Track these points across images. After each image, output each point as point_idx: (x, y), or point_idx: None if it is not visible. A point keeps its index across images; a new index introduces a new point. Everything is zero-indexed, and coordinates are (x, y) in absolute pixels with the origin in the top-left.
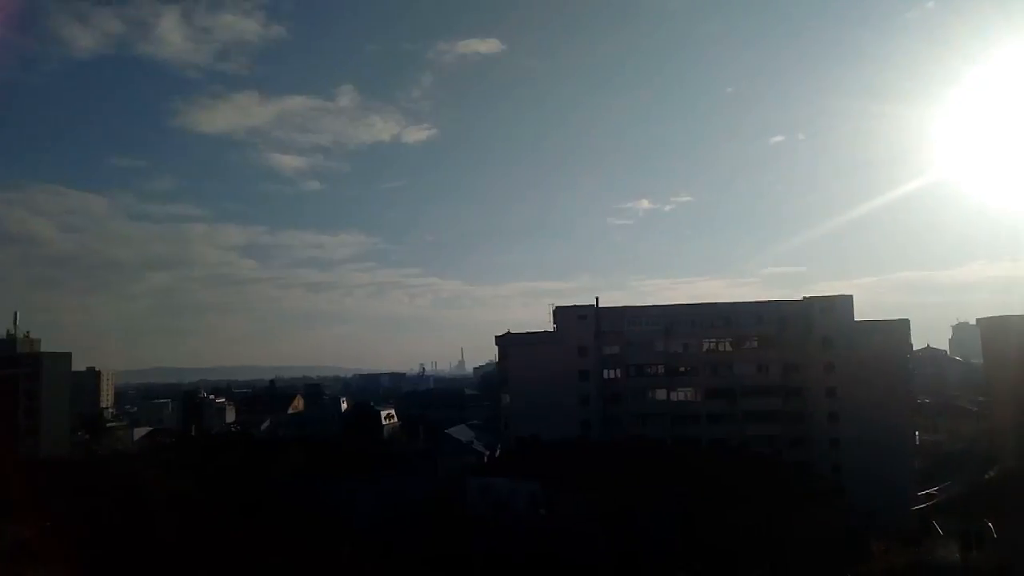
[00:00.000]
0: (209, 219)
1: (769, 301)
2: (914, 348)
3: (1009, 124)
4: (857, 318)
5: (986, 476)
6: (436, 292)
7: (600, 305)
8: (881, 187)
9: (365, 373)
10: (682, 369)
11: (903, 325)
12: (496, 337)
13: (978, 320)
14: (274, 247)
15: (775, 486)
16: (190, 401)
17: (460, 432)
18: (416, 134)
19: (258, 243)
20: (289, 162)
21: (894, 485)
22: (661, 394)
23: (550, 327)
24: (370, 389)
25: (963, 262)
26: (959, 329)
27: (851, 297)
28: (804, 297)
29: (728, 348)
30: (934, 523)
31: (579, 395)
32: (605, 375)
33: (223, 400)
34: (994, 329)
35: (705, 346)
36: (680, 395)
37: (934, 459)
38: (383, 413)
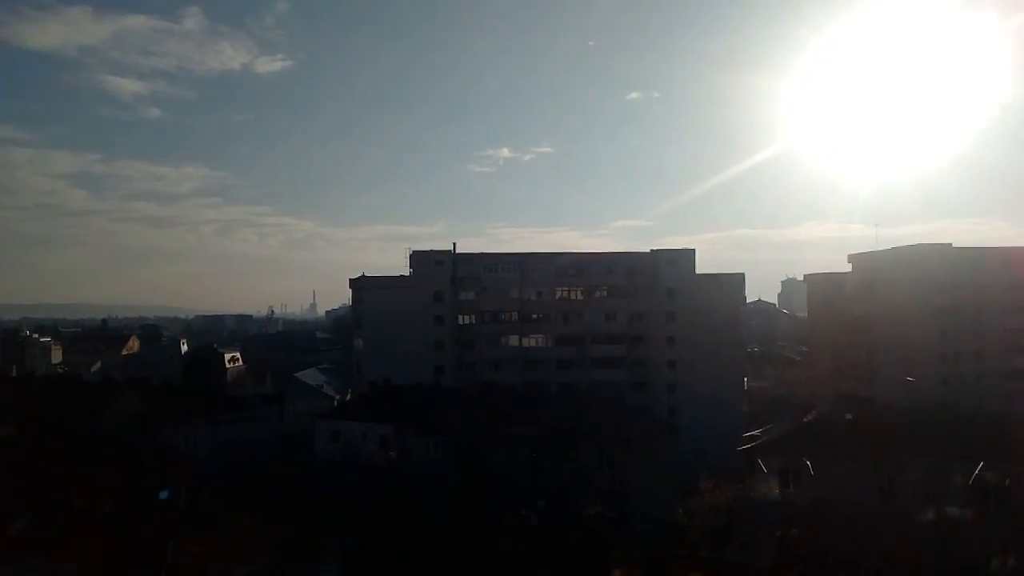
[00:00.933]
0: (35, 144)
1: (619, 253)
2: (747, 301)
3: (841, 99)
4: (698, 271)
5: (805, 419)
6: (288, 232)
7: (457, 251)
8: (725, 150)
9: (208, 315)
10: (535, 316)
11: (738, 279)
12: (351, 280)
13: (805, 276)
14: (109, 177)
15: (617, 428)
16: (10, 340)
17: (310, 376)
18: (269, 64)
19: (91, 172)
20: (127, 86)
21: (724, 427)
22: (514, 340)
23: (407, 272)
24: (214, 331)
25: (795, 223)
26: (788, 284)
27: (694, 251)
28: (651, 250)
29: (579, 297)
30: (759, 461)
31: (434, 340)
32: (460, 321)
33: (48, 339)
34: (819, 285)
35: (558, 294)
36: (532, 341)
37: (760, 403)
38: (227, 356)
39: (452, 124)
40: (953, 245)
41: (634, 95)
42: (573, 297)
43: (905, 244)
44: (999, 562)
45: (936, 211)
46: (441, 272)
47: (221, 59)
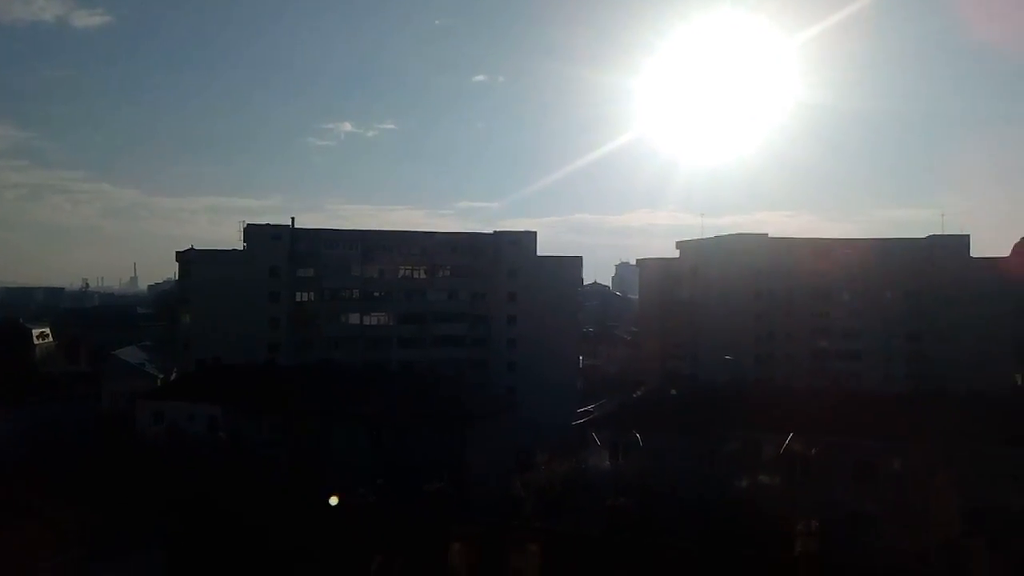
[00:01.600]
0: None
1: (463, 233)
2: (584, 283)
3: (674, 99)
4: (539, 253)
5: (635, 395)
6: (107, 200)
7: (296, 226)
8: (567, 138)
9: (13, 287)
10: (377, 294)
11: (576, 262)
12: (177, 253)
13: (638, 261)
14: None
15: (458, 406)
16: None
17: (130, 354)
18: (87, 19)
19: None
20: None
21: (561, 403)
22: (355, 318)
23: (240, 247)
24: (19, 306)
25: (630, 210)
26: (622, 268)
27: (535, 234)
28: (495, 231)
29: (422, 276)
30: (592, 435)
31: (269, 318)
32: (298, 298)
33: None
34: (650, 269)
35: (401, 272)
36: (374, 320)
37: (594, 381)
38: (35, 332)
39: (291, 94)
40: (769, 235)
41: (480, 77)
42: (416, 276)
43: (728, 233)
44: (804, 525)
45: (755, 203)
46: (278, 247)
47: (31, 9)
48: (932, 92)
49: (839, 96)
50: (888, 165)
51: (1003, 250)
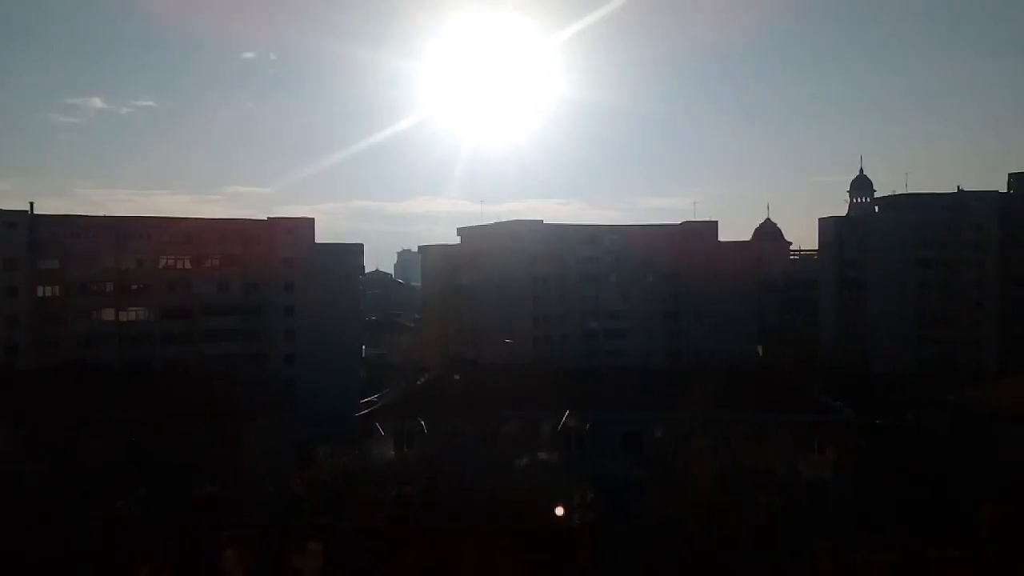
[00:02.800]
0: None
1: (234, 219)
2: (365, 271)
3: (453, 88)
4: (317, 240)
5: (418, 382)
6: None
7: (36, 212)
8: (346, 122)
9: None
10: (135, 287)
11: (356, 249)
12: None
13: (420, 248)
14: None
15: (230, 403)
16: None
17: None
18: None
19: None
20: None
21: (343, 395)
22: (109, 314)
23: None
24: None
25: (410, 196)
26: (403, 255)
27: (313, 220)
28: (268, 217)
29: (188, 266)
30: (376, 425)
31: (4, 316)
32: (40, 293)
33: None
34: (432, 256)
35: (163, 263)
36: (132, 315)
37: (377, 369)
38: None
39: (27, 62)
40: (544, 222)
41: (249, 54)
42: (181, 266)
43: (506, 220)
44: (580, 496)
45: (531, 191)
46: (14, 236)
47: None
48: (687, 90)
49: (606, 92)
50: (649, 157)
51: (746, 234)
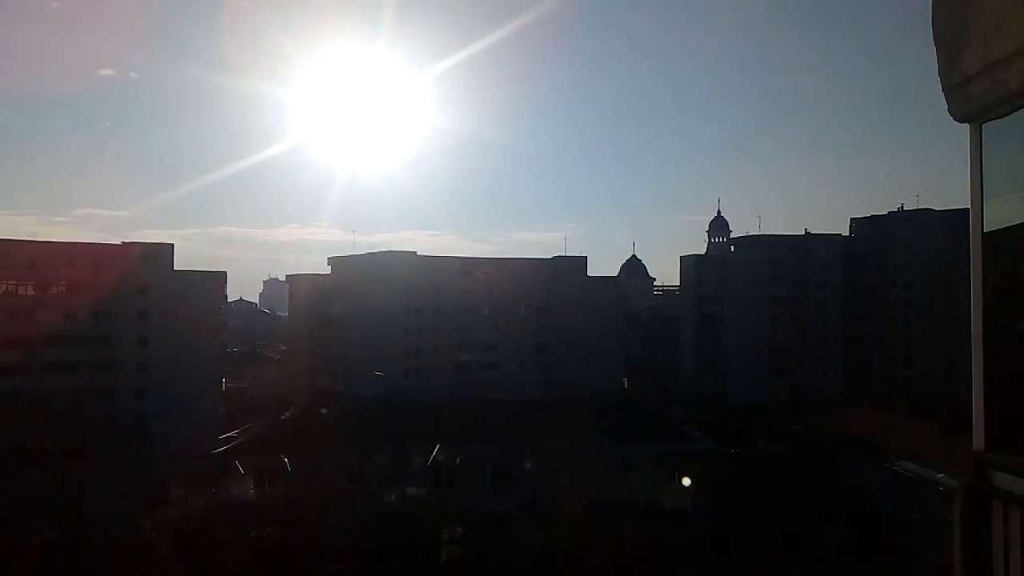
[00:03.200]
0: None
1: (84, 244)
2: (229, 300)
3: (325, 117)
4: (177, 267)
5: (282, 417)
6: None
7: None
8: (209, 145)
9: None
10: None
11: (220, 277)
12: None
13: (287, 277)
14: None
15: (72, 441)
16: None
17: None
18: None
19: None
20: None
21: (200, 431)
22: None
23: None
24: None
25: (279, 224)
26: (270, 284)
27: (172, 246)
28: (123, 243)
29: (31, 292)
30: (237, 462)
31: None
32: None
33: None
34: (300, 285)
35: (1, 289)
36: None
37: (239, 404)
38: None
39: None
40: (417, 253)
41: (107, 71)
42: (21, 292)
43: (378, 250)
44: (449, 532)
45: (405, 222)
46: None
47: None
48: (559, 128)
49: (480, 126)
50: (522, 191)
51: (613, 270)
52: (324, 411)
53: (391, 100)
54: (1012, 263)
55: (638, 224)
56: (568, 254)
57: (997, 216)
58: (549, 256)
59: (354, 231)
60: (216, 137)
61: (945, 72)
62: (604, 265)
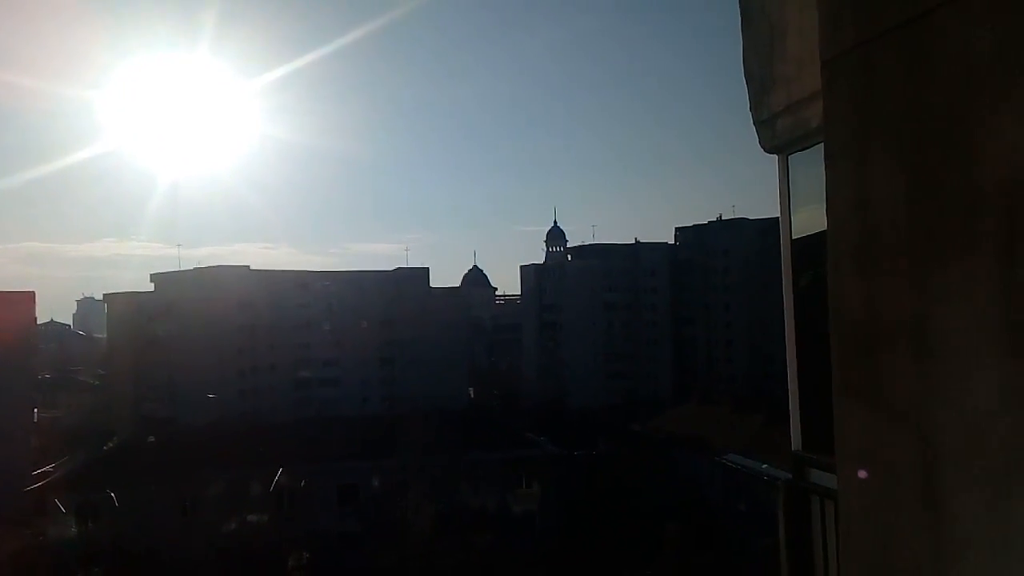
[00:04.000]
0: None
1: None
2: (39, 322)
3: (150, 123)
4: None
5: (105, 447)
6: None
7: None
8: (12, 154)
9: None
10: None
11: (27, 297)
12: None
13: (105, 296)
14: None
15: None
16: None
17: None
18: None
19: None
20: None
21: (9, 466)
22: None
23: None
24: None
25: (93, 238)
26: (84, 304)
27: None
28: None
29: None
30: (56, 500)
31: None
32: None
33: None
34: (119, 305)
35: None
36: None
37: (53, 435)
38: None
39: None
40: (251, 267)
41: None
42: None
43: (207, 265)
44: (294, 558)
45: (235, 235)
46: None
47: None
48: (398, 138)
49: (316, 136)
50: (361, 202)
51: (456, 280)
52: (152, 439)
53: (218, 107)
54: (816, 267)
55: (479, 234)
56: (410, 265)
57: (802, 225)
58: (391, 268)
59: (179, 245)
60: (13, 146)
61: (755, 108)
62: (447, 276)
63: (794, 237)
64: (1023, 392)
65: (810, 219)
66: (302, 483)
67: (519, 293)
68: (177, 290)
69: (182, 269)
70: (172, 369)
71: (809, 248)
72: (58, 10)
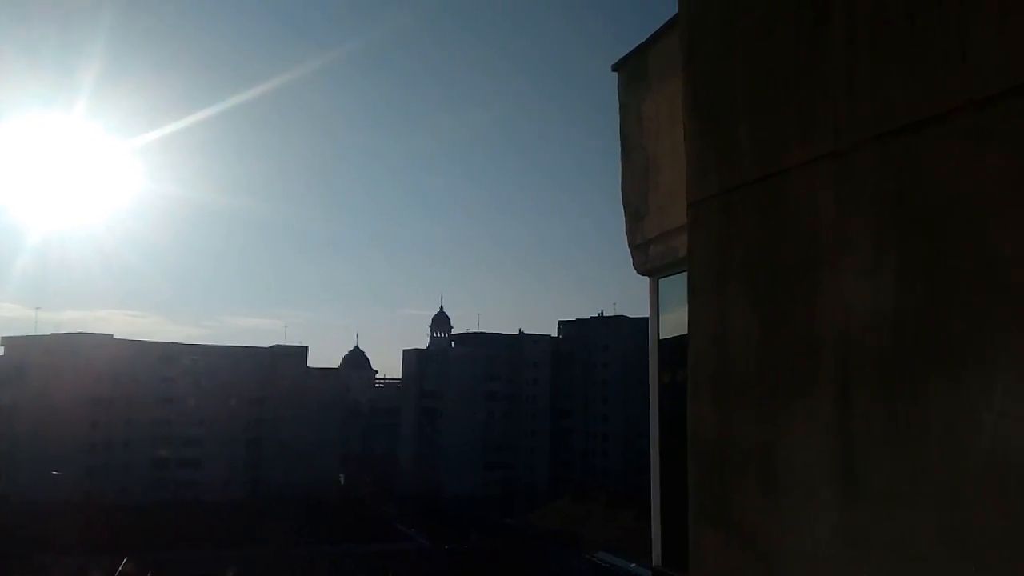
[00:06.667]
0: None
1: None
2: None
3: (21, 175)
4: None
5: None
6: None
7: None
8: None
9: None
10: None
11: None
12: None
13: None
14: None
15: None
16: None
17: None
18: None
19: None
20: None
21: None
22: None
23: None
24: None
25: None
26: None
27: None
28: None
29: None
30: None
31: None
32: None
33: None
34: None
35: None
36: None
37: None
38: None
39: None
40: (114, 336)
41: None
42: None
43: (67, 331)
44: None
45: (100, 300)
46: None
47: None
48: (279, 210)
49: (194, 203)
50: (239, 274)
51: (335, 361)
52: None
53: (86, 170)
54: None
55: (362, 315)
56: (288, 343)
57: (668, 327)
58: (267, 344)
59: (38, 308)
60: None
61: (630, 233)
62: (326, 356)
63: (662, 338)
64: (856, 532)
65: (680, 323)
66: (149, 574)
67: (400, 377)
68: (29, 355)
69: (38, 334)
70: (14, 440)
71: (675, 353)
72: None
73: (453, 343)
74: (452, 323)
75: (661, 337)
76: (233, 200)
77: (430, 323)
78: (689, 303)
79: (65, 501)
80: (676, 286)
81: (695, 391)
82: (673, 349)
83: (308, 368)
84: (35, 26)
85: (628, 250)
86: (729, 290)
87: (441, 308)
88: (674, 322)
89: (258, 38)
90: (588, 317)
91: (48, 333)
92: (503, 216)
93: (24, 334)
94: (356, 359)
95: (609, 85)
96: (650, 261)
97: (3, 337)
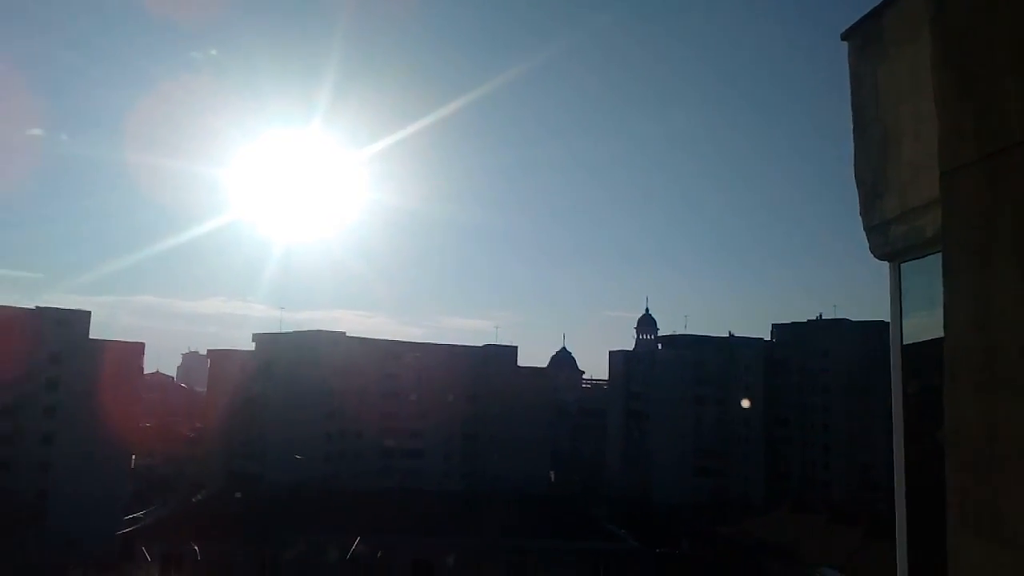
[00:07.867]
0: None
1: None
2: (145, 372)
3: (262, 196)
4: (93, 336)
5: (194, 499)
6: None
7: None
8: (134, 215)
9: None
10: None
11: (138, 348)
12: None
13: (208, 351)
14: None
15: None
16: None
17: None
18: None
19: None
20: None
21: (104, 509)
22: None
23: None
24: None
25: (203, 296)
26: (189, 358)
27: (89, 313)
28: (36, 307)
29: None
30: (143, 547)
31: None
32: None
33: None
34: (221, 361)
35: None
36: None
37: (147, 482)
38: None
39: None
40: (346, 334)
41: (36, 131)
42: None
43: (306, 329)
44: None
45: (334, 302)
46: None
47: None
48: (491, 217)
49: (415, 212)
50: (454, 278)
51: (543, 361)
52: (238, 495)
53: (325, 181)
54: (928, 380)
55: (569, 316)
56: (499, 343)
57: (913, 331)
58: (480, 344)
59: (282, 308)
60: (145, 211)
61: (865, 213)
62: (534, 356)
63: (904, 343)
64: None
65: (922, 326)
66: (378, 554)
67: (606, 378)
68: (276, 351)
69: (283, 331)
70: (264, 427)
71: (921, 358)
72: (190, 101)
73: (660, 345)
74: (658, 325)
75: (904, 327)
76: (447, 208)
77: (635, 325)
78: (945, 284)
79: (305, 484)
80: (920, 269)
81: (954, 383)
82: (918, 339)
83: (518, 367)
84: (279, 53)
85: (863, 234)
86: (994, 268)
87: (647, 310)
88: (919, 310)
89: (462, 52)
90: (805, 321)
91: (291, 331)
92: (706, 218)
93: (270, 332)
94: (563, 359)
95: (812, 76)
96: (890, 243)
97: (254, 334)
